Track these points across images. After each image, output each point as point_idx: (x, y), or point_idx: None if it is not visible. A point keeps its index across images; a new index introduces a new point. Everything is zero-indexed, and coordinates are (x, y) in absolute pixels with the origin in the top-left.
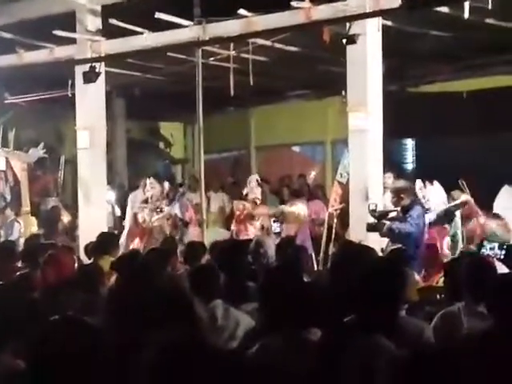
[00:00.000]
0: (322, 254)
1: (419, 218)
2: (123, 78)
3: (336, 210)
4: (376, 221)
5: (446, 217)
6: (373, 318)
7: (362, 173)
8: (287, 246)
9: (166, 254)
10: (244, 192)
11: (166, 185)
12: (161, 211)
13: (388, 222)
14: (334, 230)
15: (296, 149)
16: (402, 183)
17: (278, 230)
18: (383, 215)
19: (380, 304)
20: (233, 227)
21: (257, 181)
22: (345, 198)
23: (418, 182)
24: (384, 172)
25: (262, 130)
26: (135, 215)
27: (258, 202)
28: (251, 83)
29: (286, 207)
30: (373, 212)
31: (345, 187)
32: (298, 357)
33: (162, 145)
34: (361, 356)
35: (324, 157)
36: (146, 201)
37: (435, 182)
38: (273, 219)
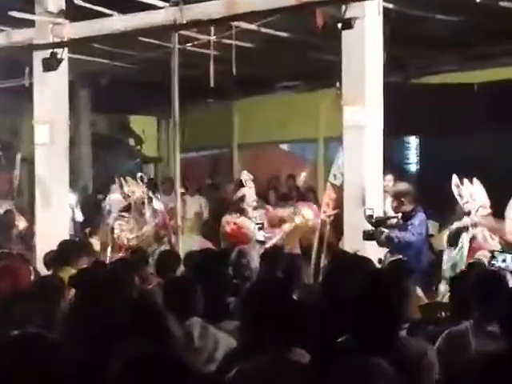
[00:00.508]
0: (312, 266)
1: (421, 226)
2: (89, 66)
3: (329, 215)
4: (373, 228)
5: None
6: (369, 338)
7: (359, 174)
8: (275, 256)
9: (135, 264)
10: (239, 194)
11: None
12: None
13: (386, 230)
14: (326, 239)
15: (284, 147)
16: (403, 186)
17: (262, 238)
18: (381, 222)
19: (377, 323)
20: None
21: (250, 178)
22: (339, 203)
23: (454, 178)
24: (384, 174)
25: (245, 125)
26: (112, 229)
27: (256, 203)
28: (234, 72)
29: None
30: (370, 218)
31: (339, 190)
32: (283, 382)
33: (132, 141)
34: (355, 381)
35: (316, 156)
36: (127, 208)
37: (475, 180)
38: (257, 226)
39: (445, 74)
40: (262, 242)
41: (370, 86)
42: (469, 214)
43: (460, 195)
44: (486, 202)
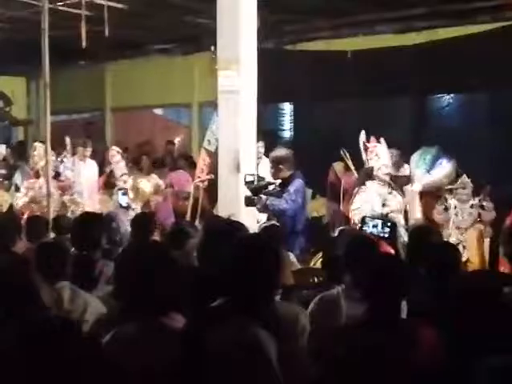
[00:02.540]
0: None
1: (297, 193)
2: None
3: (203, 181)
4: (252, 194)
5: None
6: (242, 302)
7: (233, 140)
8: (145, 221)
9: (3, 228)
10: (107, 169)
11: (3, 149)
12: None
13: (264, 197)
14: (200, 205)
15: (158, 111)
16: (281, 152)
17: (125, 204)
18: (260, 188)
19: (250, 287)
20: None
21: (118, 152)
22: (213, 168)
23: (362, 134)
24: (257, 140)
25: (118, 88)
26: None
27: (126, 177)
28: (106, 34)
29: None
30: (249, 184)
31: (213, 156)
32: (156, 347)
33: (0, 103)
34: (228, 345)
35: (190, 121)
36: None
37: (382, 140)
38: (121, 192)
39: (319, 40)
40: (126, 208)
41: (244, 51)
42: (371, 170)
43: (366, 151)
44: (389, 162)
